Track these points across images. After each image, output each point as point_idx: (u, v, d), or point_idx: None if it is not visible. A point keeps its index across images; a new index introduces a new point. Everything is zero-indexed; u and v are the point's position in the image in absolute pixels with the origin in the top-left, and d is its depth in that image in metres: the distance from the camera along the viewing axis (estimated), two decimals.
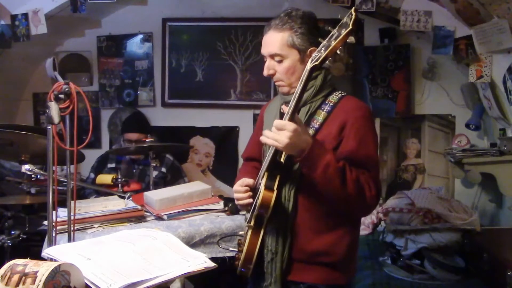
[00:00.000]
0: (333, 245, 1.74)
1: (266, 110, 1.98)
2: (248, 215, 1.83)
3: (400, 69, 4.01)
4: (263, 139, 1.60)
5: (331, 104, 1.75)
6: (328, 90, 1.78)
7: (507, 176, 3.24)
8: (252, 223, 1.73)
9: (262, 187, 1.65)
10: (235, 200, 1.84)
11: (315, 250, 1.73)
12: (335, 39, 1.40)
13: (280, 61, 1.75)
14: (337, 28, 1.42)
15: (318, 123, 1.73)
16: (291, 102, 1.56)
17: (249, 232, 1.75)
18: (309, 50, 1.73)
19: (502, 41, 2.93)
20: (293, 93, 1.73)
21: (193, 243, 2.31)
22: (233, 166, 4.20)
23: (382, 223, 3.23)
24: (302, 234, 1.74)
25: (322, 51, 1.45)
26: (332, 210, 1.72)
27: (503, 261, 2.45)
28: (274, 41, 1.74)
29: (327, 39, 1.45)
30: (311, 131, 1.70)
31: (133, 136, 3.62)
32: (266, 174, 1.67)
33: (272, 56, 1.76)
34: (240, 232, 1.96)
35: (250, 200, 1.78)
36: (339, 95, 1.78)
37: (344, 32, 1.37)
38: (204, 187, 2.74)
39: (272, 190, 1.65)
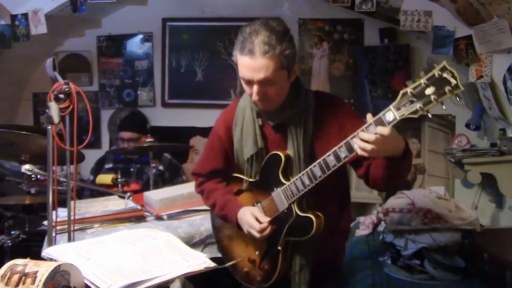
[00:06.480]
0: (335, 246, 1.92)
1: (235, 123, 1.97)
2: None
3: (400, 69, 4.00)
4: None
5: (312, 108, 1.78)
6: (303, 95, 1.80)
7: (507, 176, 3.23)
8: (280, 247, 1.77)
9: (300, 213, 1.70)
10: (257, 233, 1.77)
11: (322, 252, 1.82)
12: (439, 96, 1.43)
13: (271, 85, 1.67)
14: (431, 83, 1.43)
15: (311, 127, 1.77)
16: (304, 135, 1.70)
17: (280, 255, 1.77)
18: (294, 66, 1.71)
19: (502, 41, 2.93)
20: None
21: (193, 243, 2.31)
22: None
23: (382, 223, 3.23)
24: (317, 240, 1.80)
25: (417, 105, 1.51)
26: (331, 209, 1.81)
27: (503, 261, 2.44)
28: (266, 67, 1.62)
29: (417, 90, 1.48)
30: (310, 136, 1.75)
31: (126, 134, 3.62)
32: (296, 201, 1.72)
33: (263, 82, 1.65)
34: None
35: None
36: (312, 95, 1.81)
37: (450, 93, 1.41)
38: None
39: (316, 214, 1.70)
